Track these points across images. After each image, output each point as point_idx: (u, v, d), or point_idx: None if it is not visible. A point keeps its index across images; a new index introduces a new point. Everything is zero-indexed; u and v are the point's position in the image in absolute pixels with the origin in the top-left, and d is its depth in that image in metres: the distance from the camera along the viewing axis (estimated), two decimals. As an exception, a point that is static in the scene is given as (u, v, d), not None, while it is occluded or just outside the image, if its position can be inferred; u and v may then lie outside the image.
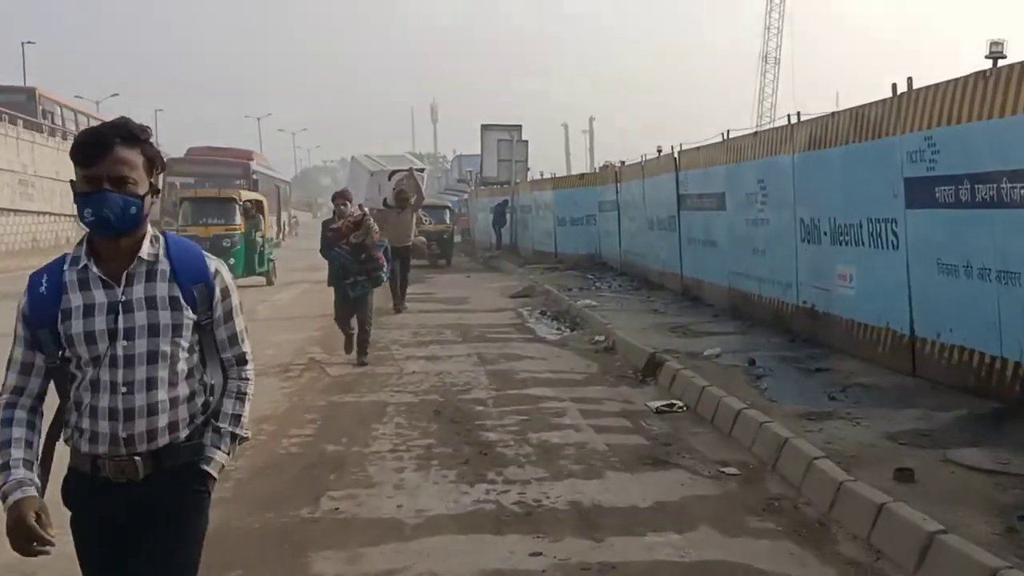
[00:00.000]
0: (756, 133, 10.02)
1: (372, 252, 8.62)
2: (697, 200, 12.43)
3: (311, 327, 11.08)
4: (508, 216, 27.21)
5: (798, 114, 8.91)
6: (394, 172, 14.14)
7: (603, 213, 18.88)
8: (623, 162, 17.91)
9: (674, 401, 6.79)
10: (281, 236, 30.19)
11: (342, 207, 9.00)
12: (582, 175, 20.74)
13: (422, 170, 14.32)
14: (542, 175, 24.49)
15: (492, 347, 9.44)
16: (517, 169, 27.72)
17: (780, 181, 9.41)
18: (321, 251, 9.03)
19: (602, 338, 9.77)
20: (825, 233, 8.38)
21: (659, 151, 14.48)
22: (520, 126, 29.63)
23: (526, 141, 28.99)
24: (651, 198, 15.07)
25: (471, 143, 38.03)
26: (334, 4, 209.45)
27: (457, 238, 40.30)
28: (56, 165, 28.22)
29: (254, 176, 28.96)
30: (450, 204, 27.48)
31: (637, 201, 15.98)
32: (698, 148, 12.33)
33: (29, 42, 48.69)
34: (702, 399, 6.57)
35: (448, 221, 23.95)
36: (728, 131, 11.23)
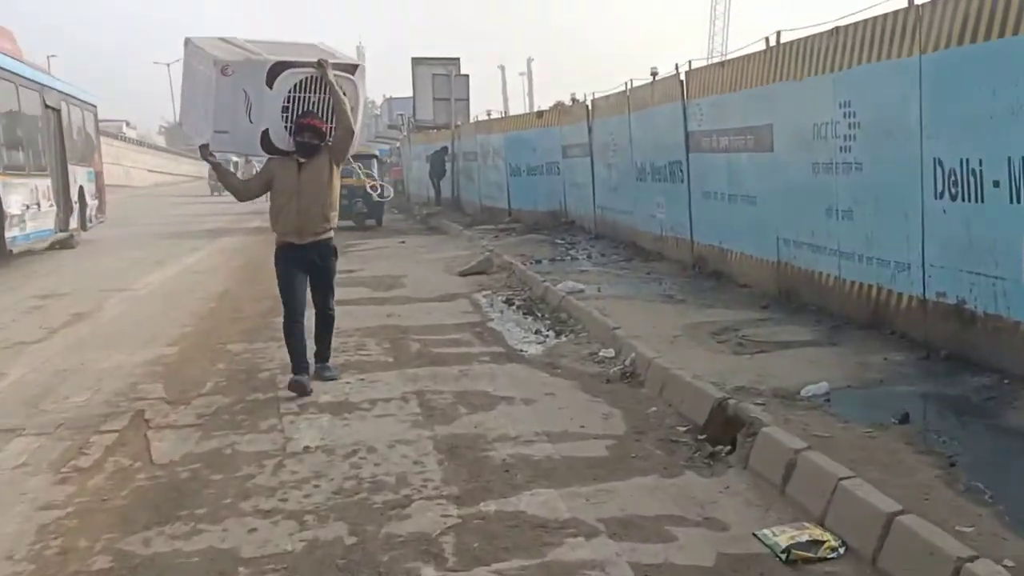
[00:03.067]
0: (836, 30, 6.55)
1: None
2: (719, 138, 8.96)
3: (166, 338, 7.33)
4: (448, 165, 23.43)
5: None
6: (281, 67, 5.63)
7: (569, 160, 15.31)
8: (569, 99, 14.28)
9: (818, 535, 3.39)
10: (66, 214, 14.74)
11: None
12: (540, 112, 17.10)
13: (353, 68, 5.99)
14: (489, 115, 20.70)
15: (442, 377, 5.88)
16: (457, 109, 23.81)
17: (889, 101, 5.99)
18: None
19: (611, 352, 6.32)
20: (996, 184, 5.01)
21: (654, 74, 10.93)
22: (458, 59, 25.65)
23: (466, 75, 25.05)
24: (641, 138, 11.55)
25: (404, 87, 33.43)
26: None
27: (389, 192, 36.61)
28: None
29: None
30: (378, 153, 23.45)
31: (620, 143, 12.45)
32: (721, 64, 8.82)
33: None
34: (892, 540, 3.18)
35: (377, 173, 20.02)
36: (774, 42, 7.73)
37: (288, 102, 5.63)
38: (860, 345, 5.86)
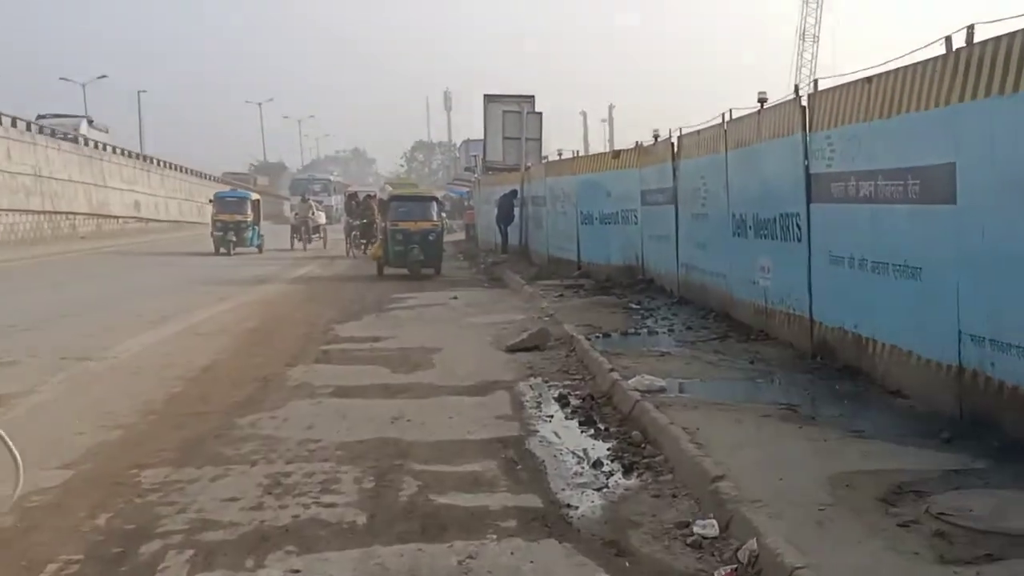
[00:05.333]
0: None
1: None
2: (859, 184, 6.47)
3: (68, 452, 5.23)
4: (516, 210, 21.33)
5: None
6: None
7: (649, 207, 12.95)
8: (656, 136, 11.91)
9: None
10: None
11: None
12: (616, 152, 14.80)
13: None
14: (560, 155, 18.55)
15: (429, 574, 3.55)
16: (529, 149, 21.70)
17: None
18: None
19: (713, 527, 3.87)
20: None
21: (762, 100, 8.53)
22: (533, 96, 23.70)
23: (539, 113, 22.97)
24: (742, 182, 9.14)
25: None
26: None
27: (459, 235, 34.63)
28: None
29: None
30: (438, 196, 21.54)
31: (712, 188, 10.05)
32: (866, 81, 6.35)
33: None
34: None
35: (435, 216, 18.06)
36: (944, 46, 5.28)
37: None
38: None
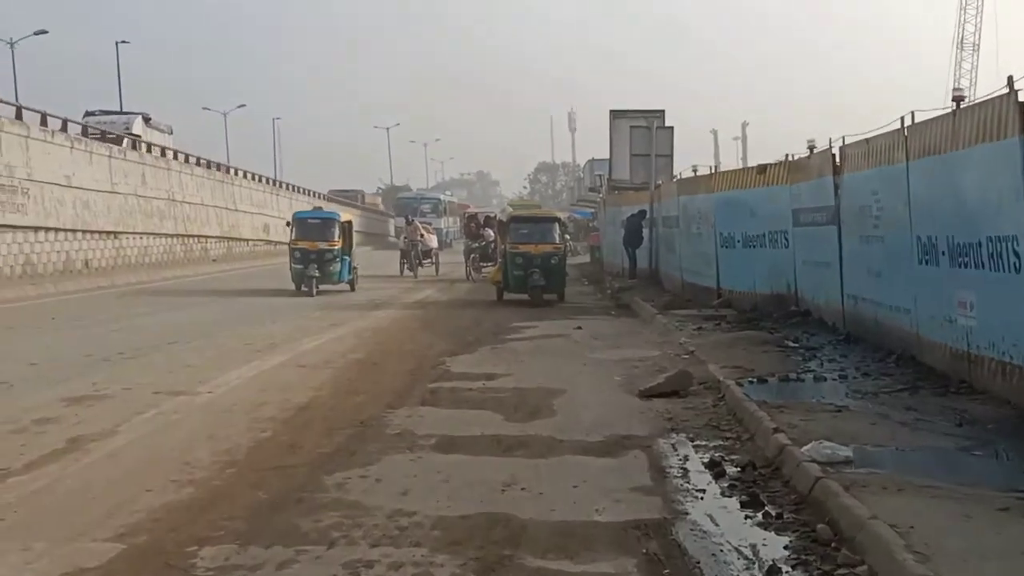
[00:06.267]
0: None
1: None
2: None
3: (127, 518, 4.44)
4: (645, 232, 20.00)
5: None
6: None
7: (803, 228, 11.38)
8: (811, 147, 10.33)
9: None
10: None
11: None
12: (762, 167, 13.27)
13: None
14: (695, 171, 17.10)
15: None
16: (659, 166, 20.31)
17: None
18: None
19: None
20: None
21: (958, 99, 7.03)
22: (663, 111, 22.29)
23: (671, 128, 21.50)
24: (930, 199, 7.56)
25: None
26: (465, 8, 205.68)
27: (584, 258, 33.52)
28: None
29: None
30: (561, 216, 20.51)
31: (889, 205, 8.48)
32: None
33: (123, 41, 44.07)
34: None
35: (557, 239, 17.01)
36: None
37: None
38: None
